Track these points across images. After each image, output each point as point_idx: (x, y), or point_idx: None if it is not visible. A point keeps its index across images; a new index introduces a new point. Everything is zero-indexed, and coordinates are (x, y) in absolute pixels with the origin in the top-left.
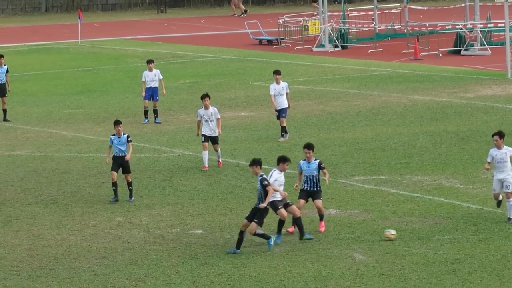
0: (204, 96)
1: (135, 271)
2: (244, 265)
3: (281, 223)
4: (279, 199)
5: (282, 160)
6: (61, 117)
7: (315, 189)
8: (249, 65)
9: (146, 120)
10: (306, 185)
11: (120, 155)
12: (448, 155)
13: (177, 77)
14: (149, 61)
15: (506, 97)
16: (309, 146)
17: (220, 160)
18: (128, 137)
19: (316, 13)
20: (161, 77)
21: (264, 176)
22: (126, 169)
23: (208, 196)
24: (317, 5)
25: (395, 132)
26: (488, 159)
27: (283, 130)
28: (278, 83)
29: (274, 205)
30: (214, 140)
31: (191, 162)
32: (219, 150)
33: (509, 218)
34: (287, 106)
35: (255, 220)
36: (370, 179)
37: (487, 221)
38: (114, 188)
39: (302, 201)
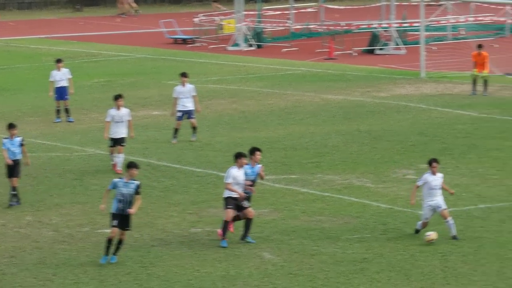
0: (117, 97)
1: (43, 270)
2: (152, 264)
3: (225, 223)
4: (235, 196)
5: (238, 156)
6: None
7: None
8: (163, 64)
9: (59, 120)
10: None
11: (14, 158)
12: (359, 154)
13: (91, 75)
14: (58, 61)
15: (419, 96)
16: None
17: (119, 166)
18: (22, 140)
19: (217, 13)
20: (70, 76)
21: (140, 184)
22: (16, 173)
23: None
24: (218, 5)
25: (307, 131)
26: (419, 183)
27: (194, 130)
28: (184, 85)
29: (226, 202)
30: (120, 141)
31: (102, 161)
32: (122, 155)
33: (453, 236)
34: (193, 108)
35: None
36: (280, 178)
37: (396, 221)
38: (14, 192)
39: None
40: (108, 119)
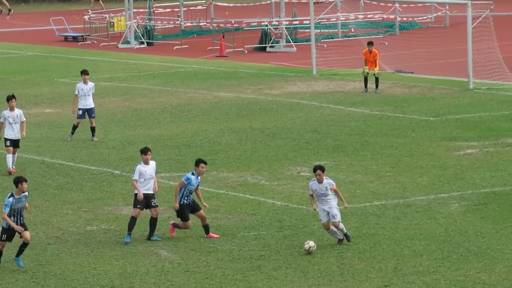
0: (10, 98)
1: None
2: (49, 262)
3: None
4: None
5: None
6: None
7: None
8: (55, 62)
9: None
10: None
11: None
12: (253, 151)
13: None
14: None
15: (311, 93)
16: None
17: (13, 166)
18: None
19: (99, 11)
20: None
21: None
22: None
23: None
24: (99, 1)
25: (201, 129)
26: (310, 192)
27: (93, 130)
28: (86, 83)
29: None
30: (17, 144)
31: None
32: (16, 155)
33: (339, 240)
34: (93, 106)
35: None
36: (175, 176)
37: (292, 218)
38: None
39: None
40: (1, 120)
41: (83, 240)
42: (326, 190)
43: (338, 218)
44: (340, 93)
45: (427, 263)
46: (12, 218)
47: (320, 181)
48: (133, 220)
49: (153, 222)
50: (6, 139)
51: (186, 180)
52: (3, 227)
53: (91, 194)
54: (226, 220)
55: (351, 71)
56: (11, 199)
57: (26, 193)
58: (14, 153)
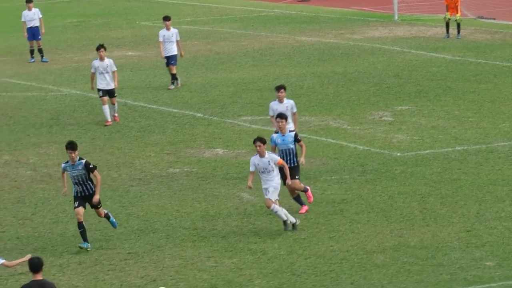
0: (99, 47)
1: (22, 210)
2: (132, 204)
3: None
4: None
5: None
6: None
7: (293, 164)
8: (136, 5)
9: (33, 59)
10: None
11: None
12: (336, 96)
13: (63, 16)
14: (28, 1)
15: (393, 39)
16: (281, 116)
17: (116, 114)
18: None
19: None
20: (41, 15)
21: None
22: None
23: (96, 135)
24: None
25: (283, 73)
26: (251, 168)
27: (173, 77)
28: (168, 29)
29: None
30: (111, 93)
31: (78, 101)
32: (116, 104)
33: (292, 225)
34: (176, 53)
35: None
36: (257, 119)
37: (374, 162)
38: None
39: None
40: (92, 70)
41: (165, 182)
42: (269, 164)
43: (269, 195)
44: (421, 39)
45: (509, 209)
46: (77, 187)
47: (261, 155)
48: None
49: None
50: (98, 90)
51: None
52: (73, 195)
53: (173, 137)
54: (308, 164)
55: (433, 17)
56: (63, 164)
57: (82, 162)
58: (113, 103)
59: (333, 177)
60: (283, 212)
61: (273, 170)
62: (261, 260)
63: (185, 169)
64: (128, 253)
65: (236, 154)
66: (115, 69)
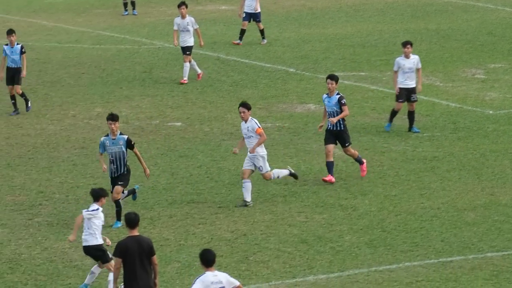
0: (180, 4)
1: None
2: (223, 158)
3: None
4: None
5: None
6: (42, 6)
7: (339, 128)
8: None
9: (126, 12)
10: (329, 124)
11: (13, 66)
12: (428, 53)
13: None
14: None
15: None
16: (332, 77)
17: (199, 72)
18: (22, 47)
19: None
20: None
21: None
22: (16, 81)
23: (188, 88)
24: None
25: (375, 29)
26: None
27: (261, 33)
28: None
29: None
30: (188, 50)
31: (171, 55)
32: (193, 62)
33: (244, 201)
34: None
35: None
36: (350, 75)
37: (466, 120)
38: (13, 101)
39: (330, 146)
40: (175, 27)
41: None
42: (248, 131)
43: (265, 169)
44: None
45: None
46: (113, 166)
47: (245, 119)
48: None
49: (411, 115)
50: (181, 47)
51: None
52: (109, 176)
53: (265, 92)
54: (399, 120)
55: None
56: (103, 138)
57: (124, 137)
58: (189, 60)
59: (424, 134)
60: (285, 172)
61: (253, 137)
62: (351, 216)
63: (277, 124)
64: (219, 207)
65: None
66: (196, 26)
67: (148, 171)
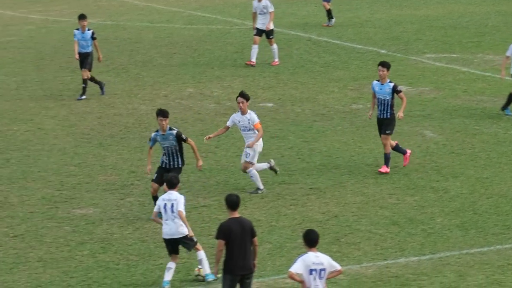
0: None
1: (206, 143)
2: (315, 139)
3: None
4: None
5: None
6: None
7: (386, 116)
8: None
9: None
10: (379, 111)
11: (82, 51)
12: None
13: None
14: None
15: None
16: (383, 64)
17: (276, 59)
18: (93, 33)
19: None
20: None
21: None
22: (85, 65)
23: (279, 69)
24: None
25: (467, 11)
26: (228, 123)
27: (328, 14)
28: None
29: None
30: (267, 34)
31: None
32: (274, 46)
33: (257, 189)
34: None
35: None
36: (441, 57)
37: None
38: (83, 85)
39: (383, 136)
40: (253, 10)
41: (348, 118)
42: (249, 123)
43: (250, 158)
44: None
45: None
46: (165, 157)
47: (243, 112)
48: None
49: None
50: (255, 28)
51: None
52: (159, 165)
53: (356, 73)
54: (491, 102)
55: None
56: (153, 134)
57: (173, 132)
58: (270, 44)
59: None
60: (259, 180)
61: (252, 130)
62: (443, 199)
63: (368, 105)
64: (310, 188)
65: (419, 92)
66: (271, 10)
67: (200, 162)
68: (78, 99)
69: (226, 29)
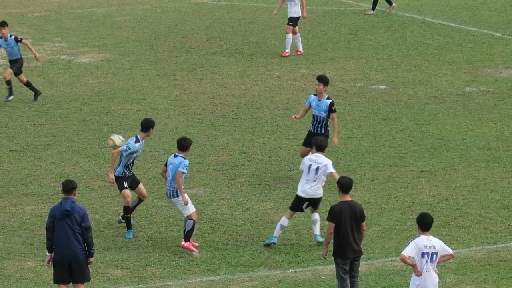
0: None
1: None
2: (427, 122)
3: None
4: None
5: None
6: None
7: (320, 131)
8: None
9: None
10: (312, 125)
11: (13, 58)
12: None
13: None
14: None
15: None
16: (320, 78)
17: (300, 49)
18: (16, 38)
19: None
20: None
21: None
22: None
23: (393, 51)
24: None
25: None
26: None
27: (375, 2)
28: None
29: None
30: (293, 22)
31: (377, 17)
32: (298, 35)
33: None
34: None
35: None
36: None
37: None
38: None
39: (304, 149)
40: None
41: (461, 101)
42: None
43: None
44: None
45: None
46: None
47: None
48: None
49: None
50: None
51: None
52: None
53: (470, 56)
54: None
55: None
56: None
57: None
58: (294, 32)
59: None
60: None
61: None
62: None
63: (481, 89)
64: (421, 171)
65: None
66: None
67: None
68: (5, 101)
69: (340, 11)
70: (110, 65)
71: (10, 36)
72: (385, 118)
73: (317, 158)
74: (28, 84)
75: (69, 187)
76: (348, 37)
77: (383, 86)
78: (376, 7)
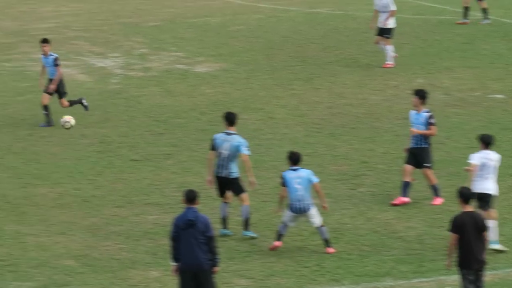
0: None
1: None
2: None
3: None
4: None
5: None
6: None
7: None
8: None
9: None
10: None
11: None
12: None
13: None
14: None
15: None
16: (416, 92)
17: (388, 62)
18: (55, 59)
19: None
20: None
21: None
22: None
23: (509, 60)
24: None
25: None
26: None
27: (484, 12)
28: None
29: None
30: (382, 32)
31: (492, 26)
32: (384, 47)
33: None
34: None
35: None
36: None
37: None
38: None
39: (408, 166)
40: (375, 7)
41: None
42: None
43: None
44: None
45: None
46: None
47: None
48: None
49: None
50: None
51: None
52: None
53: None
54: None
55: None
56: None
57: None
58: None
59: None
60: None
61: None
62: None
63: None
64: None
65: None
66: (391, 8)
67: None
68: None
69: (455, 20)
70: (227, 75)
71: (51, 55)
72: (504, 128)
73: (487, 155)
74: (46, 108)
75: (192, 197)
76: (463, 46)
77: (501, 96)
78: (489, 16)
